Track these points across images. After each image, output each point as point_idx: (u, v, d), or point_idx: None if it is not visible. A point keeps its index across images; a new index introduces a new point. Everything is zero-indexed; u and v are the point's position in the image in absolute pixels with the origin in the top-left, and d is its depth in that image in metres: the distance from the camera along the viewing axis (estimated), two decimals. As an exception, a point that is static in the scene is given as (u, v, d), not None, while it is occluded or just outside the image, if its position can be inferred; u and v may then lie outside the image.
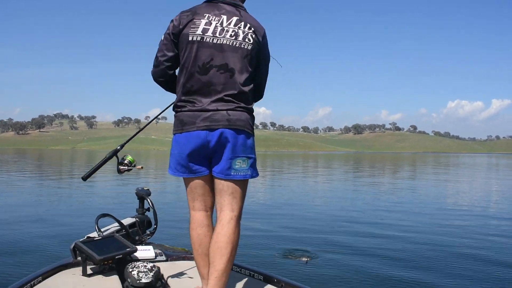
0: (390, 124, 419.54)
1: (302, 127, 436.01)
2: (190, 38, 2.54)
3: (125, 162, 3.22)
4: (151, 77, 2.80)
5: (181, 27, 2.56)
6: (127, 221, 3.70)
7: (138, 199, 3.95)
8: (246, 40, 2.55)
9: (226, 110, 2.51)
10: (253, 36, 2.58)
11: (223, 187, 2.58)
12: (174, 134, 2.67)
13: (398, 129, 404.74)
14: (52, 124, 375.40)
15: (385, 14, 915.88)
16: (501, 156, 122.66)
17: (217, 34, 2.52)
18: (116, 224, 3.58)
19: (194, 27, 2.54)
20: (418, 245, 6.43)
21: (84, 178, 3.04)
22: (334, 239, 6.64)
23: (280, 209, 10.02)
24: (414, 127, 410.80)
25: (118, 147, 3.17)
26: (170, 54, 2.64)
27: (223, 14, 2.57)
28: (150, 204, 3.88)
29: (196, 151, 2.55)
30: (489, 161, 59.97)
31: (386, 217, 9.07)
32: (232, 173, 2.53)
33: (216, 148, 2.53)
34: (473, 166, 42.77)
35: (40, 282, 2.82)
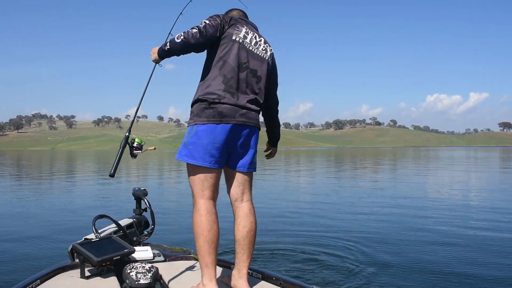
0: (370, 119, 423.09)
1: (283, 123, 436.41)
2: (233, 37, 2.82)
3: (135, 145, 3.28)
4: (178, 37, 2.73)
5: (227, 26, 2.82)
6: (124, 222, 3.71)
7: (135, 199, 3.96)
8: (270, 57, 2.98)
9: (255, 111, 2.83)
10: (273, 55, 3.04)
11: (245, 179, 2.87)
12: (205, 123, 2.70)
13: (378, 123, 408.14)
14: (30, 125, 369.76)
15: (364, 9, 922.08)
16: (480, 149, 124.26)
17: (253, 44, 2.88)
18: (114, 225, 3.58)
19: (237, 30, 2.84)
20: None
21: (112, 175, 3.04)
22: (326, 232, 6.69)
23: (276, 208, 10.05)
24: (394, 122, 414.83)
25: (127, 134, 3.23)
26: (216, 35, 2.76)
27: (254, 31, 2.95)
28: (147, 204, 3.88)
29: (227, 144, 2.73)
30: (474, 155, 60.69)
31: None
32: (252, 167, 2.88)
33: (242, 143, 2.80)
34: (466, 158, 43.40)
35: (38, 285, 2.82)
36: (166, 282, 3.00)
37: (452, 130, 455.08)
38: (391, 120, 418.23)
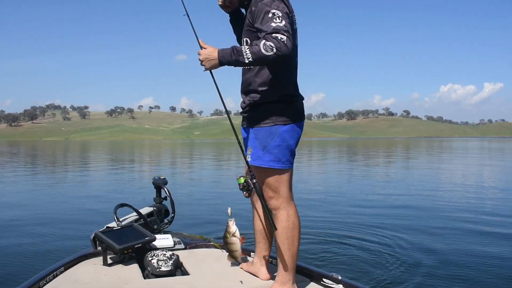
0: (383, 109, 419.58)
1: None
2: (295, 27, 2.60)
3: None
4: (278, 49, 2.31)
5: (291, 14, 2.53)
6: (145, 210, 3.77)
7: (155, 188, 4.01)
8: None
9: None
10: None
11: None
12: (287, 124, 2.55)
13: (391, 114, 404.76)
14: (44, 115, 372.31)
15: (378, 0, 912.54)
16: (494, 140, 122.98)
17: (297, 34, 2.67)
18: (134, 213, 3.64)
19: (293, 14, 2.59)
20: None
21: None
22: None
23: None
24: (407, 112, 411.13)
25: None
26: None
27: None
28: (167, 193, 3.94)
29: None
30: (489, 145, 60.05)
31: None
32: None
33: None
34: (483, 149, 43.02)
35: (62, 272, 2.89)
36: (187, 269, 3.05)
37: (466, 121, 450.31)
38: (404, 111, 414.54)
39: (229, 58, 2.38)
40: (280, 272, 2.57)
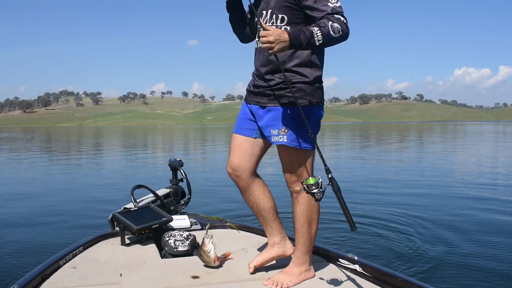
0: (396, 93, 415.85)
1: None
2: None
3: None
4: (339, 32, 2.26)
5: None
6: (161, 192, 3.81)
7: (171, 170, 4.04)
8: None
9: None
10: None
11: None
12: (319, 105, 2.50)
13: (404, 98, 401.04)
14: (58, 102, 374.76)
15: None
16: (509, 124, 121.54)
17: None
18: (151, 195, 3.68)
19: None
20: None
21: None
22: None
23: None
24: (421, 96, 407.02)
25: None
26: None
27: None
28: (183, 175, 3.97)
29: None
30: (504, 129, 59.33)
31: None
32: None
33: None
34: (500, 134, 42.59)
35: (81, 252, 2.95)
36: None
37: (480, 104, 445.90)
38: (417, 95, 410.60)
39: (300, 40, 2.22)
40: (298, 253, 2.58)
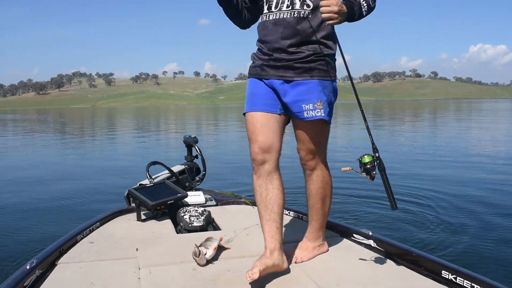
0: (410, 71, 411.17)
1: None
2: None
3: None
4: None
5: None
6: (176, 168, 3.83)
7: (186, 146, 4.06)
8: None
9: None
10: None
11: None
12: (335, 80, 2.43)
13: (418, 75, 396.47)
14: (71, 83, 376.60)
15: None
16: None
17: None
18: (166, 171, 3.70)
19: None
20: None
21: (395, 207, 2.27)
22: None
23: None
24: (435, 73, 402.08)
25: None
26: None
27: None
28: (198, 151, 3.99)
29: None
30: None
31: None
32: None
33: None
34: None
35: (98, 227, 2.99)
36: (219, 225, 3.11)
37: (496, 81, 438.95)
38: (431, 72, 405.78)
39: (354, 12, 2.20)
40: (311, 229, 2.57)
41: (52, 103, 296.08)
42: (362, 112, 2.34)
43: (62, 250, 2.53)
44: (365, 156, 2.22)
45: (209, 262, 2.38)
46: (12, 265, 3.59)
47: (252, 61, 2.48)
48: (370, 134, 2.29)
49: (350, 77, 2.40)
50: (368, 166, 2.20)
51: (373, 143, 2.26)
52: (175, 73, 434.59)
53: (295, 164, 2.52)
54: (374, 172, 2.19)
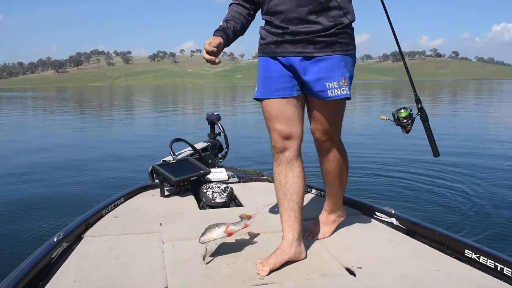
0: (430, 50, 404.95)
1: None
2: None
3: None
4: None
5: None
6: (199, 145, 3.85)
7: (208, 124, 4.07)
8: None
9: None
10: None
11: None
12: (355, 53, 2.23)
13: (439, 55, 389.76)
14: (89, 61, 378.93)
15: None
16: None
17: None
18: (189, 148, 3.73)
19: None
20: None
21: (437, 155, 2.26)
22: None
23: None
24: (456, 53, 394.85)
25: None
26: None
27: None
28: (221, 129, 4.00)
29: None
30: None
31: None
32: None
33: None
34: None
35: (122, 202, 3.04)
36: (241, 201, 3.13)
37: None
38: (452, 52, 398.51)
39: None
40: (329, 203, 2.51)
41: (71, 81, 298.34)
42: (405, 64, 2.31)
43: (88, 224, 2.58)
44: (402, 110, 2.17)
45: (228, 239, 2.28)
46: (39, 238, 3.69)
47: (262, 38, 2.22)
48: (412, 85, 2.20)
49: (398, 47, 2.29)
50: (404, 121, 2.18)
51: (416, 94, 2.20)
52: (192, 51, 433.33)
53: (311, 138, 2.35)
54: (410, 126, 2.17)
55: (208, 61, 2.09)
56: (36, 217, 4.41)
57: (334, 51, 2.09)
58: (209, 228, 2.16)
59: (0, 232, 4.04)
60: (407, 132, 2.19)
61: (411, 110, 2.19)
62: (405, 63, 2.34)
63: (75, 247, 2.28)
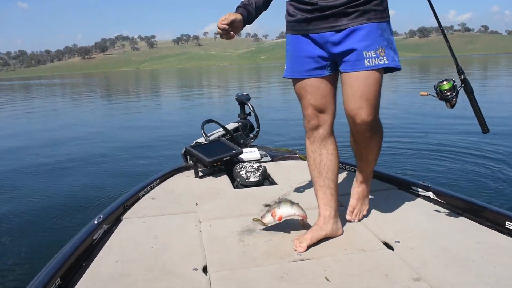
0: (458, 25, 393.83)
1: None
2: None
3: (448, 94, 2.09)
4: None
5: None
6: (230, 126, 3.87)
7: (238, 104, 4.08)
8: None
9: None
10: None
11: None
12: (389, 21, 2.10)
13: (467, 30, 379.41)
14: (114, 47, 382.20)
15: None
16: None
17: None
18: (221, 129, 3.75)
19: None
20: None
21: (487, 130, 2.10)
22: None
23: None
24: (486, 27, 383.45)
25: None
26: None
27: None
28: (251, 109, 4.00)
29: None
30: None
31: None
32: None
33: None
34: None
35: (158, 184, 3.09)
36: (274, 179, 3.15)
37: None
38: (482, 26, 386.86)
39: None
40: (363, 175, 2.37)
41: (97, 67, 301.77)
42: (443, 32, 2.15)
43: (126, 206, 2.63)
44: (444, 82, 1.99)
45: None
46: (83, 220, 3.81)
47: (290, 14, 2.11)
48: (453, 55, 2.04)
49: (437, 19, 2.13)
50: (448, 93, 1.99)
51: (457, 64, 2.02)
52: (215, 33, 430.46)
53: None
54: (455, 100, 1.98)
55: (221, 36, 2.11)
56: (76, 201, 4.54)
57: (369, 19, 1.96)
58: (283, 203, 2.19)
59: (43, 216, 4.17)
60: (452, 106, 2.02)
61: (454, 81, 2.03)
62: (444, 35, 2.19)
63: (114, 229, 2.33)
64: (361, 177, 2.39)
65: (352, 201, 2.38)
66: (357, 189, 2.41)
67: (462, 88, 2.03)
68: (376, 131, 2.16)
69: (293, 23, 2.09)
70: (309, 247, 2.04)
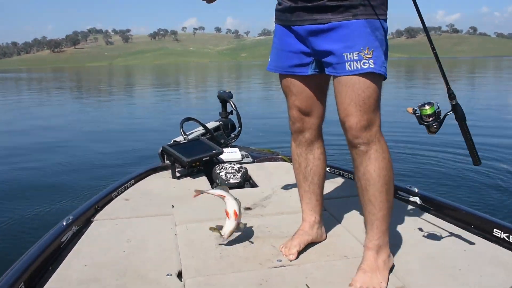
0: (447, 26, 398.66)
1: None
2: None
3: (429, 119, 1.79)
4: None
5: None
6: (211, 124, 3.77)
7: (220, 102, 3.97)
8: None
9: None
10: None
11: None
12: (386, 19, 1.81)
13: (456, 31, 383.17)
14: (87, 40, 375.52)
15: None
16: None
17: None
18: (201, 128, 3.64)
19: None
20: None
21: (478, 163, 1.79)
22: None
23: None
24: (474, 29, 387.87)
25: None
26: None
27: None
28: (233, 107, 3.89)
29: None
30: None
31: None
32: None
33: None
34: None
35: (133, 184, 2.98)
36: (256, 182, 3.06)
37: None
38: (470, 27, 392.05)
39: None
40: (375, 235, 1.80)
41: (68, 61, 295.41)
42: (434, 50, 1.80)
43: (98, 207, 2.54)
44: (426, 106, 1.71)
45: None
46: (48, 221, 3.64)
47: (278, 3, 1.90)
48: (444, 77, 1.75)
49: (423, 25, 1.80)
50: (429, 119, 1.71)
51: (449, 88, 1.71)
52: (195, 29, 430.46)
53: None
54: (436, 127, 1.71)
55: None
56: (42, 201, 4.37)
57: (356, 15, 1.69)
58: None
59: (6, 216, 4.00)
60: (432, 133, 1.75)
61: (438, 107, 1.72)
62: (433, 49, 1.83)
63: (85, 231, 2.25)
64: (369, 235, 1.83)
65: (356, 276, 1.77)
66: (364, 256, 1.83)
67: (453, 114, 1.73)
68: (374, 146, 1.75)
69: (279, 12, 1.90)
70: (299, 253, 1.97)
